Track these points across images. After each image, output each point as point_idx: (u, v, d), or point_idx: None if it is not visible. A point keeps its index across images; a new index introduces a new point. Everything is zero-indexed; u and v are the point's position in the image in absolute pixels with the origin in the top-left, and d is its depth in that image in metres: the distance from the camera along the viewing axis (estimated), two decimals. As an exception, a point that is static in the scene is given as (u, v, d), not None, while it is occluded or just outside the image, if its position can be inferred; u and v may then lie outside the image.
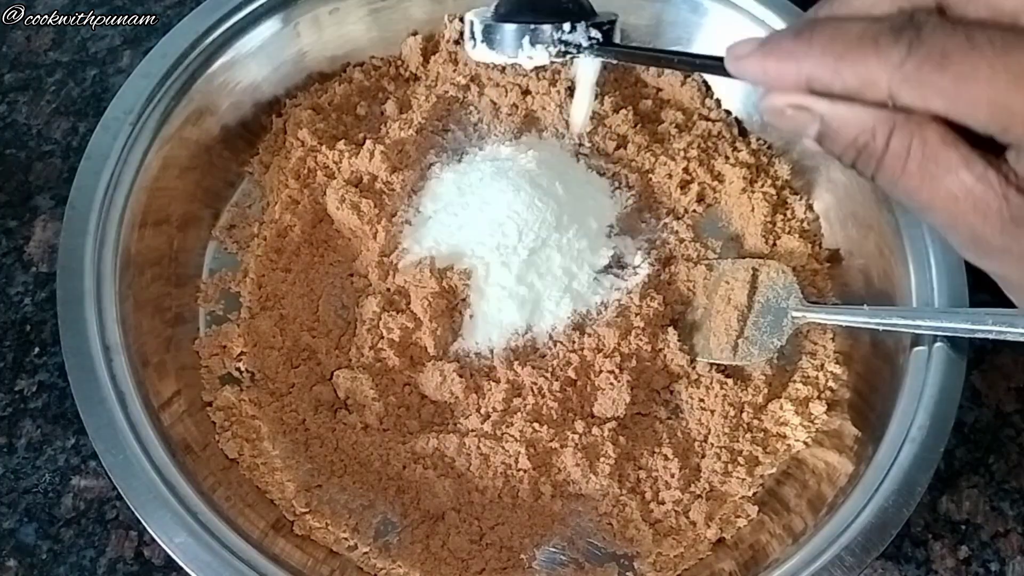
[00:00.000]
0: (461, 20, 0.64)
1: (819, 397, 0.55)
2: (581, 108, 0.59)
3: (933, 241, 0.52)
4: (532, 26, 0.53)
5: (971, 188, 0.30)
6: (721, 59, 0.36)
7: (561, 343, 0.55)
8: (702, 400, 0.55)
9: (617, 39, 0.54)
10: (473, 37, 0.55)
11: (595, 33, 0.53)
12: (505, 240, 0.56)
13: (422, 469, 0.52)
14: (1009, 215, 0.30)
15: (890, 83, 0.29)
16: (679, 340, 0.56)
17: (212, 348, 0.56)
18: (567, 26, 0.52)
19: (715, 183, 0.62)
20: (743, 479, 0.53)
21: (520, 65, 0.55)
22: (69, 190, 0.53)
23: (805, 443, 0.54)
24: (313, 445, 0.53)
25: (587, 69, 0.56)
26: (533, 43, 0.53)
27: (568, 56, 0.54)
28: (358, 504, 0.52)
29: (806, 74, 0.31)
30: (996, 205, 0.30)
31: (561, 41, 0.53)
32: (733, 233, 0.61)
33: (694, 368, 0.56)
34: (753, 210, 0.60)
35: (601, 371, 0.55)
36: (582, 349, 0.55)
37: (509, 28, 0.53)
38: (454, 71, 0.64)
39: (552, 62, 0.54)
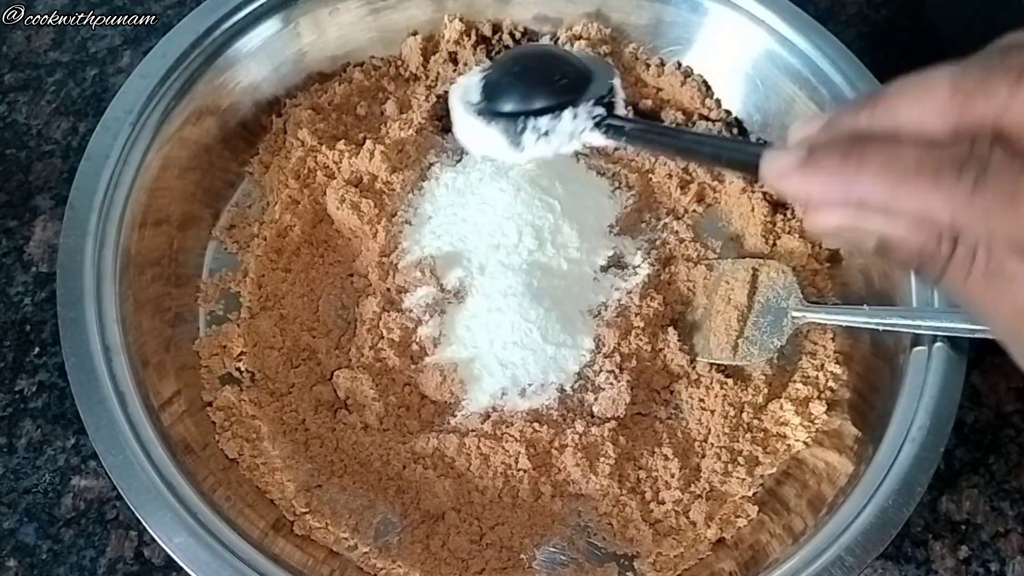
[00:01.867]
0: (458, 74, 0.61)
1: (819, 397, 0.55)
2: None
3: (933, 241, 0.52)
4: (521, 125, 0.44)
5: None
6: (753, 152, 0.35)
7: (561, 343, 0.55)
8: (702, 400, 0.55)
9: (619, 104, 0.45)
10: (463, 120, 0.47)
11: (598, 111, 0.44)
12: (505, 240, 0.56)
13: (422, 469, 0.52)
14: None
15: (954, 216, 0.29)
16: (679, 340, 0.56)
17: (212, 348, 0.56)
18: (567, 114, 0.44)
19: (715, 183, 0.62)
20: (743, 479, 0.53)
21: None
22: (69, 190, 0.53)
23: (805, 443, 0.54)
24: (313, 445, 0.53)
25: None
26: (524, 144, 0.45)
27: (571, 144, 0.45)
28: (358, 504, 0.52)
29: (857, 196, 0.31)
30: None
31: (561, 132, 0.44)
32: (733, 233, 0.61)
33: (694, 368, 0.56)
34: (753, 210, 0.60)
35: (601, 371, 0.55)
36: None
37: (495, 128, 0.45)
38: (454, 71, 0.64)
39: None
